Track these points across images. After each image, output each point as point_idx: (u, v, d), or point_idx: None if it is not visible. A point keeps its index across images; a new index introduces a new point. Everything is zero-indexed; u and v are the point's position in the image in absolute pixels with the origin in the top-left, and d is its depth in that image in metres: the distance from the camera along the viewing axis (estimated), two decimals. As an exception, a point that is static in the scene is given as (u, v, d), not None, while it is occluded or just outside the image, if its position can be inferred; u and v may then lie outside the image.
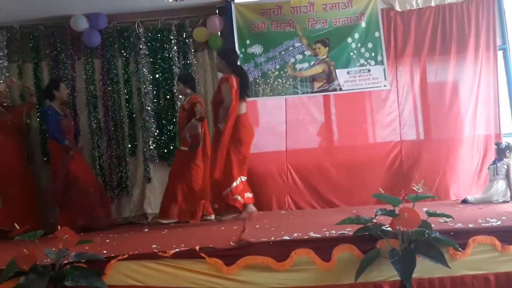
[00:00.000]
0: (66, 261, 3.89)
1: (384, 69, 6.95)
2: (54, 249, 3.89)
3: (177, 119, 6.72)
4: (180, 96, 6.97)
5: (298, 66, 7.00)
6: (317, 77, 6.98)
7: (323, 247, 4.02)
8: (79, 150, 6.57)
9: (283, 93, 6.95)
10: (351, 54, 6.97)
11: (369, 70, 6.95)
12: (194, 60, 7.14)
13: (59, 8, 6.68)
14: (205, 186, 6.23)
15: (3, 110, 6.44)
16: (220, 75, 6.38)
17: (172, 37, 7.10)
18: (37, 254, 3.78)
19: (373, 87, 6.97)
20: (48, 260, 3.87)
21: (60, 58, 7.07)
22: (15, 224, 4.20)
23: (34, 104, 6.87)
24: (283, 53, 7.00)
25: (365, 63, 6.97)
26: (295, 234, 4.26)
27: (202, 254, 4.05)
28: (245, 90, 6.06)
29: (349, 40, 6.97)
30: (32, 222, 5.71)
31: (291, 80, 7.00)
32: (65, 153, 6.33)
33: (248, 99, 6.49)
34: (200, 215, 6.34)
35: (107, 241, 5.03)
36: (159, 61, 7.10)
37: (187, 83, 6.51)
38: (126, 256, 4.04)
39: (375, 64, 6.96)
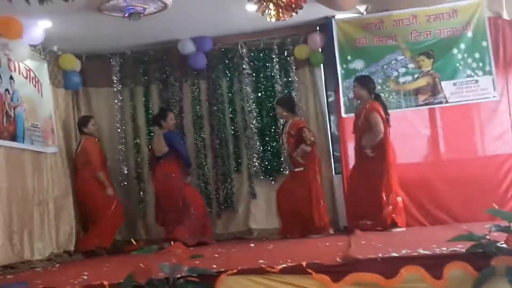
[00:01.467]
0: (179, 275, 4.03)
1: (492, 79, 6.66)
2: (168, 263, 4.04)
3: (285, 142, 6.68)
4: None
5: (401, 79, 6.86)
6: (421, 90, 6.81)
7: (434, 264, 3.90)
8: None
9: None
10: (457, 65, 6.74)
11: (476, 81, 6.69)
12: (295, 77, 7.22)
13: (168, 33, 6.99)
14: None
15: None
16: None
17: (274, 56, 7.24)
18: (152, 268, 3.95)
19: (481, 99, 6.70)
20: (162, 274, 4.03)
21: (168, 81, 7.40)
22: (132, 240, 4.43)
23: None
24: (385, 67, 6.88)
25: (472, 73, 6.71)
26: (403, 251, 4.17)
27: (309, 270, 4.04)
28: (388, 117, 6.38)
29: (455, 50, 6.75)
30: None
31: (394, 94, 6.87)
32: (184, 178, 6.68)
33: (350, 114, 6.70)
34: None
35: (216, 256, 5.16)
36: (262, 79, 7.27)
37: (284, 106, 6.61)
38: (235, 270, 4.11)
39: (483, 75, 6.68)
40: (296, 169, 6.50)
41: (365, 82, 6.44)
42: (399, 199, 6.32)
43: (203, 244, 6.52)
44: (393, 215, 6.21)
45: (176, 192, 6.60)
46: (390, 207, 6.21)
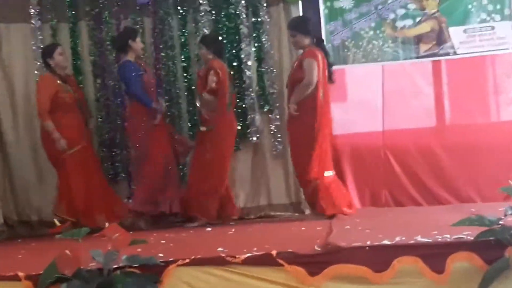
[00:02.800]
0: (115, 266, 4.03)
1: (512, 26, 6.78)
2: (101, 250, 4.03)
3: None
4: (249, 63, 7.08)
5: (399, 23, 6.91)
6: (424, 38, 6.88)
7: (435, 255, 4.00)
8: (163, 116, 6.82)
9: (379, 59, 6.92)
10: (469, 6, 6.81)
11: (492, 28, 6.79)
12: (266, 17, 7.17)
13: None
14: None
15: (62, 84, 6.64)
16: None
17: (239, -11, 7.17)
18: (81, 257, 3.94)
19: (498, 50, 6.81)
20: (95, 263, 4.03)
21: (102, 17, 7.25)
22: (54, 220, 4.40)
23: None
24: (380, 7, 6.93)
25: (488, 18, 6.80)
26: (397, 238, 4.25)
27: (280, 261, 4.11)
28: (330, 70, 6.40)
29: (467, -11, 6.83)
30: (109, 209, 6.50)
31: (390, 41, 6.93)
32: (150, 119, 6.59)
33: (335, 67, 6.63)
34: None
35: (163, 242, 5.19)
36: (223, 19, 7.17)
37: (211, 46, 6.66)
38: (187, 260, 4.15)
39: (501, 20, 6.77)
40: (201, 128, 6.64)
41: (298, 26, 6.40)
42: (329, 173, 6.32)
43: (166, 215, 6.62)
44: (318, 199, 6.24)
45: (137, 139, 6.65)
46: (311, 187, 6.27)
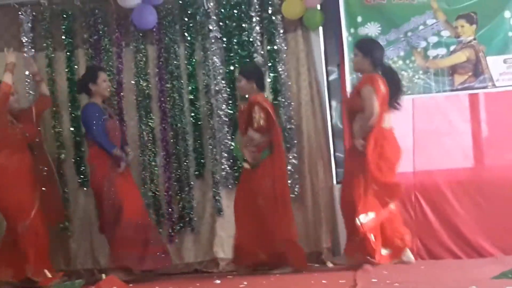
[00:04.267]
0: (112, 323, 4.02)
1: (559, 56, 6.79)
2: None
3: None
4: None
5: (431, 52, 6.93)
6: (459, 68, 6.88)
7: (473, 313, 3.97)
8: (128, 165, 6.88)
9: (409, 92, 6.89)
10: (510, 34, 6.81)
11: (537, 57, 6.81)
12: (283, 45, 7.23)
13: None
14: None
15: (12, 120, 6.68)
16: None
17: (253, 14, 7.22)
18: (74, 312, 3.93)
19: (542, 82, 6.82)
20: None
21: (102, 45, 7.35)
22: (45, 271, 4.40)
23: (48, 98, 7.10)
24: (409, 34, 6.95)
25: (532, 46, 6.83)
26: (430, 294, 4.23)
27: (299, 318, 4.09)
28: (395, 98, 6.48)
29: (507, 14, 6.82)
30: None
31: (421, 72, 6.95)
32: (113, 167, 6.64)
33: None
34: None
35: (166, 296, 5.17)
36: (236, 47, 7.25)
37: (252, 78, 6.71)
38: (194, 319, 4.14)
39: (546, 49, 6.81)
40: (244, 165, 6.71)
41: (367, 49, 6.47)
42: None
43: (148, 271, 6.62)
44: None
45: (100, 188, 6.62)
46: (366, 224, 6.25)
